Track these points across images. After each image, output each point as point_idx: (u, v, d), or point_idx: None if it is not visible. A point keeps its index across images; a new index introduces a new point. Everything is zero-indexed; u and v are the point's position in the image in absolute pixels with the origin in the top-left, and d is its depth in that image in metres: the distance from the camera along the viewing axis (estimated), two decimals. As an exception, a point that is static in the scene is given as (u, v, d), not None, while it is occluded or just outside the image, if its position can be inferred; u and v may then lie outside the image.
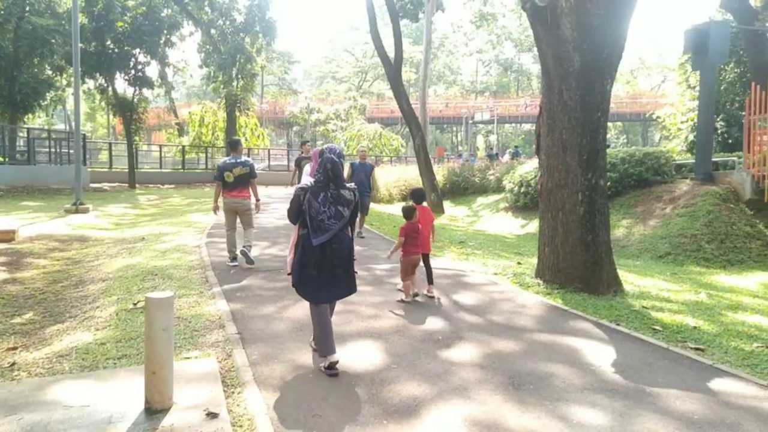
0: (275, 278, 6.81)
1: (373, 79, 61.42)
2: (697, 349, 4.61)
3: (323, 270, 4.02)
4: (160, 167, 29.64)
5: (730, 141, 16.53)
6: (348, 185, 4.15)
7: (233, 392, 3.63)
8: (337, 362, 3.96)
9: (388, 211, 17.09)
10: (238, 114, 30.11)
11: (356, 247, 6.52)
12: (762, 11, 17.90)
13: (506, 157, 29.63)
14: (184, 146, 32.33)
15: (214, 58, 27.08)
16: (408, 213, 6.00)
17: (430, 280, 6.29)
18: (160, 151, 31.01)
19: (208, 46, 27.50)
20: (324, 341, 4.01)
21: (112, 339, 4.66)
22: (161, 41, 23.24)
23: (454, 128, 62.90)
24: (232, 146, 7.87)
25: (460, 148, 58.44)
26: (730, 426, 3.23)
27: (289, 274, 4.24)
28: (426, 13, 23.82)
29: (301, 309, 5.54)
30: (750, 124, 12.37)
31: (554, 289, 6.43)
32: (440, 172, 23.52)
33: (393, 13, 19.36)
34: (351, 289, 4.23)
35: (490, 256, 9.18)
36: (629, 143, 57.04)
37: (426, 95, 22.59)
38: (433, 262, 8.39)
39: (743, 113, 12.67)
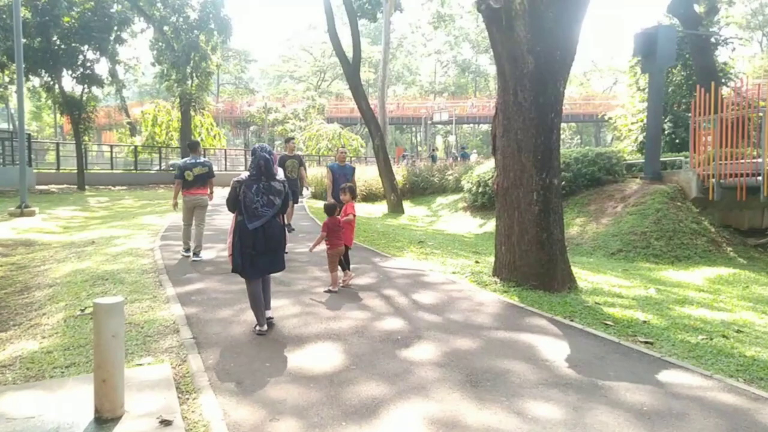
0: (232, 281, 6.69)
1: (332, 78, 61.18)
2: (646, 342, 4.76)
3: (258, 250, 4.75)
4: (111, 168, 28.78)
5: (677, 141, 17.18)
6: (278, 178, 4.88)
7: (188, 398, 3.54)
8: (266, 328, 4.87)
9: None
10: (193, 113, 29.48)
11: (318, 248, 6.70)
12: (706, 17, 18.71)
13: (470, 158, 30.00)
14: (136, 146, 31.48)
15: (167, 55, 26.43)
16: (329, 210, 6.55)
17: (347, 266, 6.87)
18: (111, 152, 30.10)
19: (160, 44, 26.82)
20: (257, 314, 4.89)
21: (59, 347, 4.48)
22: (111, 38, 22.54)
23: (414, 128, 63.28)
24: (192, 147, 8.59)
25: (419, 148, 58.86)
26: (677, 416, 3.35)
27: (229, 255, 4.92)
28: (384, 13, 23.90)
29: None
30: (696, 126, 12.88)
31: (511, 287, 6.54)
32: (400, 173, 23.62)
33: (351, 12, 19.33)
34: (281, 266, 5.04)
35: (448, 255, 9.27)
36: (583, 143, 58.62)
37: (385, 95, 22.64)
38: (394, 263, 8.46)
39: (689, 115, 13.18)
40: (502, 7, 6.25)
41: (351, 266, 7.02)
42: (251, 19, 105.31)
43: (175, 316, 5.29)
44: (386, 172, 19.42)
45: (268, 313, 5.00)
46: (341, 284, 6.60)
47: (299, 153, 14.67)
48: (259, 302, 4.89)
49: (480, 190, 17.00)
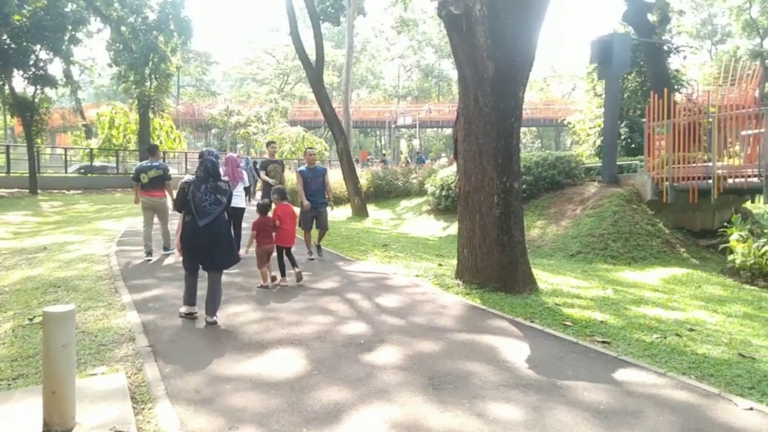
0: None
1: (295, 81, 60.79)
2: (603, 342, 4.87)
3: (207, 246, 5.13)
4: (66, 171, 27.86)
5: (633, 146, 17.68)
6: (223, 178, 5.30)
7: (143, 408, 3.44)
8: (193, 313, 5.32)
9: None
10: (152, 116, 28.79)
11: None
12: (659, 26, 19.34)
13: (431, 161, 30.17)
14: (92, 149, 30.56)
15: (125, 56, 25.73)
16: (261, 209, 6.86)
17: (294, 264, 7.01)
18: (65, 155, 29.16)
19: (118, 44, 26.09)
20: (188, 298, 5.35)
21: (6, 358, 4.29)
22: (65, 37, 21.85)
23: (378, 132, 63.40)
24: (150, 151, 9.14)
25: (384, 152, 59.00)
26: (632, 413, 3.43)
27: (179, 250, 5.32)
28: (347, 17, 23.88)
29: (219, 318, 5.36)
30: (650, 130, 13.27)
31: (473, 289, 6.60)
32: (364, 176, 23.60)
33: (314, 16, 19.24)
34: (233, 259, 5.36)
35: (412, 258, 9.30)
36: (544, 147, 59.79)
37: (349, 99, 22.60)
38: (357, 266, 8.43)
39: (644, 120, 13.58)
40: (463, 13, 6.32)
41: (316, 270, 7.02)
42: (212, 21, 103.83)
43: (131, 323, 5.15)
44: (350, 175, 19.37)
45: (192, 308, 5.37)
46: (279, 283, 6.86)
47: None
48: (193, 291, 5.35)
49: (443, 193, 17.13)
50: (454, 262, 7.66)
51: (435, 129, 61.18)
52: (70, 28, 21.92)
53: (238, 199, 8.14)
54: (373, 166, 27.40)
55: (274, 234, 6.80)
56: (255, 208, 7.10)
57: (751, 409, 3.51)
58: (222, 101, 47.42)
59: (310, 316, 5.53)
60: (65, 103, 39.67)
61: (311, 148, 12.47)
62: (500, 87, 6.38)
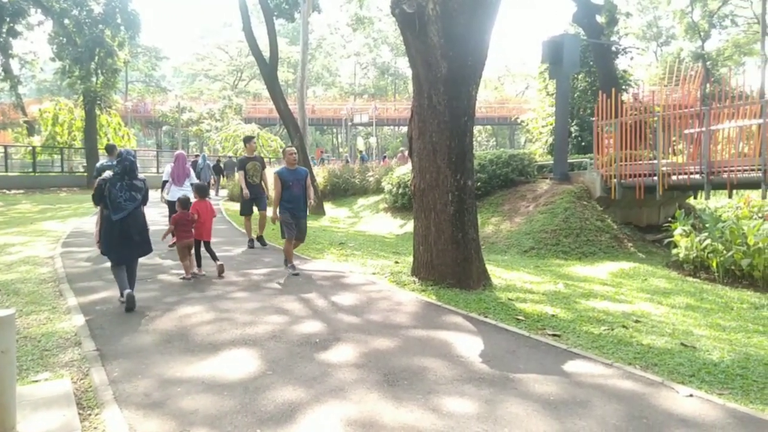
0: (141, 287, 6.37)
1: (250, 78, 59.83)
2: (554, 335, 5.00)
3: (123, 238, 5.60)
4: (6, 170, 26.63)
5: (583, 144, 18.20)
6: (139, 177, 5.80)
7: (90, 414, 3.32)
8: (130, 296, 5.57)
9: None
10: (98, 112, 27.81)
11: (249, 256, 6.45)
12: (607, 27, 19.97)
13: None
14: (34, 147, 29.28)
15: (69, 51, 24.73)
16: (182, 204, 7.24)
17: (215, 258, 7.46)
18: (5, 153, 27.86)
19: (61, 38, 25.06)
20: (120, 286, 5.71)
21: (-59, 367, 4.07)
22: (3, 29, 20.84)
23: (335, 130, 63.14)
24: (109, 150, 9.72)
25: (340, 149, 58.81)
26: (580, 403, 3.54)
27: (97, 242, 5.80)
28: (302, 14, 23.65)
29: (170, 320, 5.24)
30: (599, 129, 13.69)
31: (429, 286, 6.66)
32: (321, 174, 23.47)
33: (267, 11, 18.98)
34: (147, 250, 5.90)
35: (369, 256, 9.31)
36: (498, 145, 60.84)
37: (304, 96, 22.38)
38: (313, 265, 8.39)
39: (594, 119, 13.99)
40: (416, 11, 6.36)
41: (272, 269, 6.98)
42: (162, 15, 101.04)
43: (77, 327, 4.97)
44: (306, 173, 19.19)
45: (126, 290, 5.65)
46: (199, 274, 7.30)
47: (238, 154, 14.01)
48: (122, 281, 5.71)
49: (400, 191, 17.21)
50: (411, 259, 7.72)
51: (392, 127, 61.39)
52: (8, 19, 20.95)
53: (186, 194, 8.86)
54: (329, 164, 27.28)
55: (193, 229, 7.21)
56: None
57: (691, 395, 3.68)
58: (173, 98, 46.24)
59: (264, 315, 5.47)
60: (5, 99, 37.88)
61: (290, 145, 10.55)
62: (453, 86, 6.45)
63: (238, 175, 8.55)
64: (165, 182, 9.61)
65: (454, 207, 6.61)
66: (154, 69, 58.02)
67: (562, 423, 3.26)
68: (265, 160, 32.14)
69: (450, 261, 6.68)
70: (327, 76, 68.03)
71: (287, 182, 7.43)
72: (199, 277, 7.22)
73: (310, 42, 31.74)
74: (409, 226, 15.44)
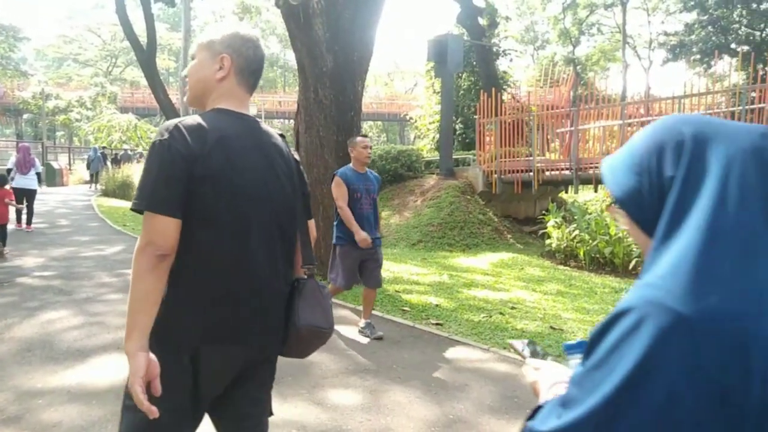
0: (-3, 293, 5.75)
1: (126, 64, 55.90)
2: (437, 324, 5.19)
3: None
4: None
5: (467, 141, 19.01)
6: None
7: (-71, 438, 2.95)
8: None
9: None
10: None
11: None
12: (488, 29, 20.99)
13: None
14: None
15: None
16: None
17: (4, 243, 8.28)
18: None
19: None
20: None
21: None
22: None
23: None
24: None
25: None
26: (459, 387, 3.71)
27: None
28: (184, -1, 22.48)
29: (30, 326, 4.78)
30: (481, 127, 14.38)
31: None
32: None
33: (145, -6, 17.82)
34: None
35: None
36: (389, 141, 61.89)
37: (186, 86, 21.29)
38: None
39: (476, 117, 14.65)
40: (301, 4, 6.28)
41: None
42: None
43: None
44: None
45: None
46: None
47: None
48: None
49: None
50: (299, 254, 7.63)
51: (282, 120, 60.37)
52: None
53: (31, 182, 10.18)
54: None
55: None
56: None
57: (557, 374, 3.98)
58: (36, 83, 42.05)
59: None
60: None
61: (365, 135, 5.21)
62: (339, 81, 6.47)
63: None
64: (9, 170, 10.36)
65: (342, 201, 6.63)
66: (12, 50, 52.32)
67: (441, 407, 3.40)
68: (142, 151, 30.19)
69: (338, 255, 6.68)
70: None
71: (355, 187, 4.70)
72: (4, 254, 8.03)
73: (192, 29, 30.26)
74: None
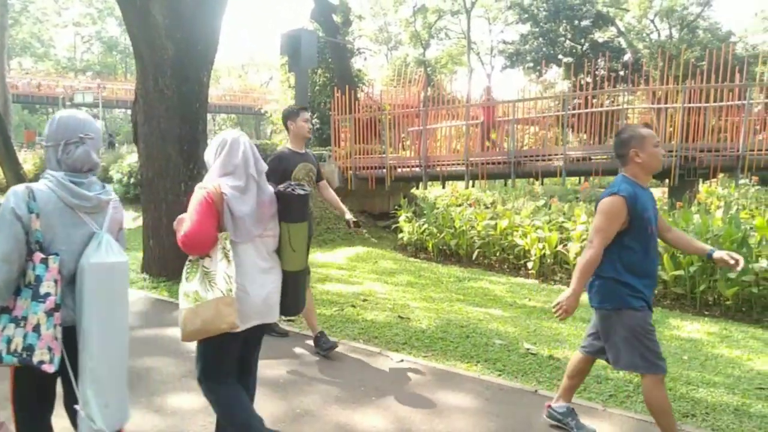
0: None
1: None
2: (289, 320, 5.15)
3: None
4: None
5: (324, 137, 19.08)
6: None
7: None
8: None
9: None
10: None
11: None
12: (342, 27, 21.23)
13: None
14: None
15: None
16: None
17: None
18: None
19: None
20: None
21: None
22: None
23: (51, 110, 54.65)
24: None
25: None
26: (307, 381, 3.74)
27: None
28: (2, -30, 19.86)
29: None
30: (336, 124, 14.51)
31: (161, 283, 6.26)
32: (31, 161, 20.14)
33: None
34: None
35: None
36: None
37: (5, 67, 18.84)
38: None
39: (332, 113, 14.74)
40: (137, -15, 5.86)
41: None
42: None
43: None
44: (8, 159, 16.14)
45: None
46: None
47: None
48: None
49: (132, 181, 15.81)
50: (141, 255, 7.14)
51: (123, 110, 55.79)
52: None
53: None
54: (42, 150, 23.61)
55: None
56: None
57: (402, 360, 4.18)
58: None
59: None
60: None
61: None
62: (182, 70, 6.13)
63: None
64: None
65: (187, 197, 6.30)
66: None
67: (288, 402, 3.39)
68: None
69: (184, 255, 6.35)
70: (38, 46, 58.36)
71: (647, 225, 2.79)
72: None
73: (11, 3, 26.83)
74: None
